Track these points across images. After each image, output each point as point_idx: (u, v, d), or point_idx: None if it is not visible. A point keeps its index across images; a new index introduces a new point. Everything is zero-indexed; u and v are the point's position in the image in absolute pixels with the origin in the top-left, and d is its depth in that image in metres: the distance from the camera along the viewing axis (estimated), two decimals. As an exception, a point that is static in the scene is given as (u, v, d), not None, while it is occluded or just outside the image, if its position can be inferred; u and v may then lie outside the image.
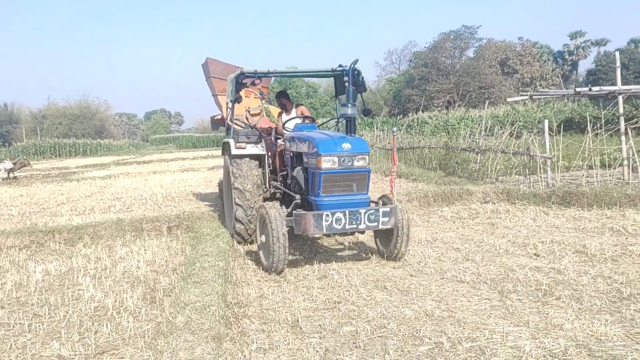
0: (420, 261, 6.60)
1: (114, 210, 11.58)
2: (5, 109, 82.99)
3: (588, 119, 11.27)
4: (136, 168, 25.61)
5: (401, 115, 44.97)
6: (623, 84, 11.56)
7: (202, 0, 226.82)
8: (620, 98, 11.15)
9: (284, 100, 8.53)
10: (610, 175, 11.13)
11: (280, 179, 7.79)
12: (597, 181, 10.62)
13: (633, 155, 10.19)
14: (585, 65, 73.35)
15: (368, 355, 4.07)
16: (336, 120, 8.56)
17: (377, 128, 21.73)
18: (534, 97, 11.25)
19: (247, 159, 7.67)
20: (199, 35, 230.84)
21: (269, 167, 7.95)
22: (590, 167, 11.18)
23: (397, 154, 17.59)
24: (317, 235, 7.85)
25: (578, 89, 10.61)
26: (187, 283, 5.53)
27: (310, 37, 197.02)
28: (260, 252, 6.53)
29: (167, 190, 14.63)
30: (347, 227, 6.01)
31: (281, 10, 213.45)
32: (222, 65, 10.62)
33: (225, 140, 8.34)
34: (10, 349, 4.43)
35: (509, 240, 7.36)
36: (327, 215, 5.93)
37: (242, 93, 8.31)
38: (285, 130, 8.04)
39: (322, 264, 6.68)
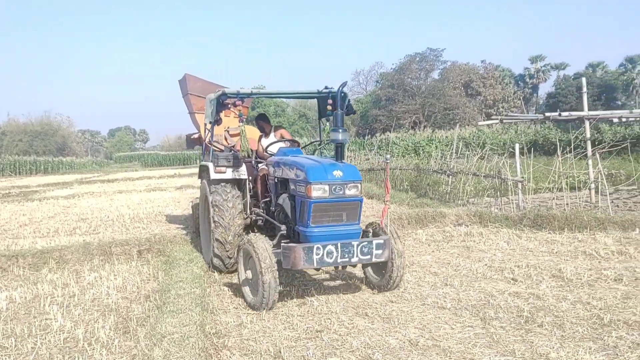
0: (399, 286, 6.53)
1: (80, 232, 11.22)
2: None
3: (558, 144, 11.51)
4: (100, 187, 25.00)
5: (369, 136, 45.30)
6: (581, 107, 11.86)
7: (168, 17, 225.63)
8: (587, 123, 11.43)
9: (263, 123, 8.32)
10: (577, 198, 11.35)
11: (263, 205, 7.46)
12: (567, 204, 10.80)
13: (602, 179, 10.42)
14: (545, 88, 75.68)
15: (355, 388, 3.96)
16: (318, 142, 8.46)
17: (347, 148, 21.81)
18: (504, 120, 11.47)
19: (228, 185, 7.33)
20: (166, 51, 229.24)
21: (250, 192, 7.66)
22: (559, 190, 11.38)
23: (368, 174, 17.72)
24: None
25: (548, 114, 10.84)
26: (162, 312, 5.33)
27: (277, 56, 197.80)
28: (245, 289, 6.08)
29: (135, 211, 14.29)
30: (339, 260, 5.69)
31: (246, 29, 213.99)
32: (201, 82, 10.28)
33: (204, 163, 8.01)
34: (-26, 386, 4.16)
35: (486, 265, 7.37)
36: (318, 248, 5.59)
37: (222, 113, 8.00)
38: (268, 153, 7.80)
39: (299, 289, 6.56)
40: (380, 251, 5.86)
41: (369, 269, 6.59)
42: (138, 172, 40.67)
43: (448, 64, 60.01)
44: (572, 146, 10.94)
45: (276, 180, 6.89)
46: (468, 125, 49.72)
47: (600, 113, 11.61)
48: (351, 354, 4.56)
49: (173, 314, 5.19)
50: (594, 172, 11.26)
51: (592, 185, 11.22)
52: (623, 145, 11.81)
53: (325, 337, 4.95)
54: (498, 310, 5.50)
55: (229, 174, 7.44)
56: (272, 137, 8.26)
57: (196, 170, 38.13)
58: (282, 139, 8.18)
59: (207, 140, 8.14)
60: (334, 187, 5.83)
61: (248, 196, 7.55)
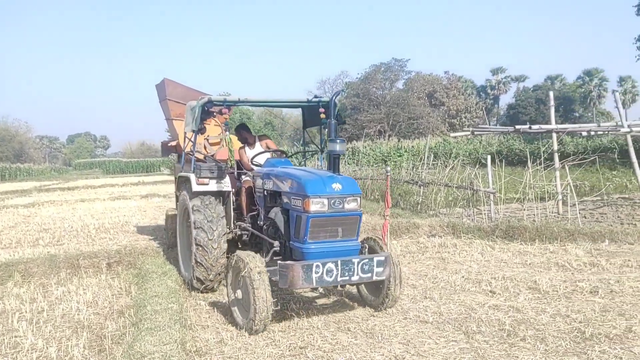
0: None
1: (43, 243, 10.83)
2: None
3: (528, 156, 11.72)
4: (61, 195, 24.28)
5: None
6: (540, 118, 12.17)
7: (131, 19, 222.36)
8: (554, 136, 11.67)
9: (245, 133, 8.04)
10: (545, 209, 11.55)
11: (249, 220, 7.13)
12: (535, 214, 10.97)
13: (571, 191, 10.64)
14: (506, 99, 77.47)
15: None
16: (303, 152, 8.25)
17: (317, 158, 21.69)
18: (475, 132, 11.65)
19: (212, 201, 6.89)
20: (128, 55, 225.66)
21: (233, 205, 7.29)
22: (528, 201, 11.57)
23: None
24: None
25: (518, 127, 11.03)
26: (139, 329, 5.13)
27: (241, 64, 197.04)
28: (234, 309, 5.71)
29: (100, 221, 13.89)
30: (339, 279, 5.37)
31: (212, 36, 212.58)
32: (181, 88, 9.85)
33: (183, 174, 7.53)
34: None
35: (463, 277, 7.39)
36: (317, 265, 5.26)
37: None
38: (254, 164, 7.48)
39: (279, 303, 6.43)
40: (381, 269, 5.58)
41: (364, 286, 6.31)
42: (100, 180, 39.72)
43: (412, 74, 60.89)
44: (542, 158, 11.16)
45: (265, 193, 6.59)
46: (432, 134, 50.41)
47: (569, 126, 11.90)
48: (338, 371, 4.48)
49: (151, 331, 5.00)
50: (561, 183, 11.49)
51: (560, 197, 11.44)
52: (591, 159, 12.10)
53: (310, 354, 4.85)
54: (480, 324, 5.50)
55: (212, 185, 7.00)
56: (258, 147, 7.96)
57: (160, 177, 37.51)
58: (268, 149, 7.92)
59: (188, 149, 7.79)
60: (332, 200, 5.52)
61: (232, 209, 7.21)
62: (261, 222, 6.72)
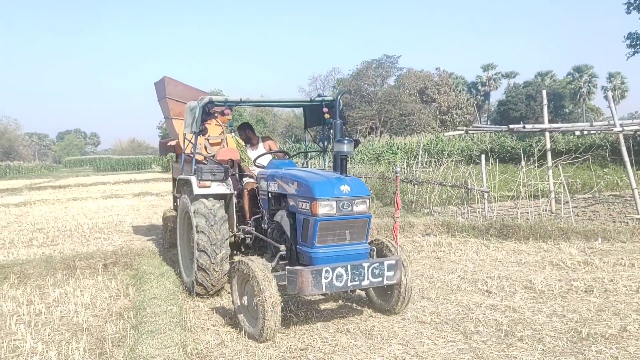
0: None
1: (37, 243, 10.81)
2: None
3: (522, 154, 11.83)
4: (53, 193, 24.19)
5: (327, 142, 45.35)
6: (530, 114, 12.29)
7: (120, 15, 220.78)
8: (547, 135, 11.77)
9: (249, 132, 7.87)
10: (539, 207, 11.65)
11: (252, 223, 6.92)
12: (528, 212, 11.07)
13: (564, 189, 10.74)
14: (496, 95, 77.84)
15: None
16: (305, 153, 8.14)
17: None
18: (469, 131, 11.72)
19: (215, 204, 6.65)
20: (119, 50, 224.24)
21: (235, 207, 7.06)
22: (520, 198, 11.67)
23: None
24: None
25: (512, 126, 11.11)
26: (139, 332, 5.15)
27: (231, 61, 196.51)
28: (241, 317, 5.54)
29: (93, 221, 13.86)
30: (349, 284, 5.20)
31: (203, 33, 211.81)
32: (182, 87, 9.69)
33: (183, 176, 7.29)
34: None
35: (459, 276, 7.45)
36: (327, 270, 5.07)
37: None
38: (256, 166, 7.28)
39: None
40: (392, 273, 5.40)
41: (372, 290, 6.16)
42: (91, 178, 39.54)
43: (404, 71, 61.05)
44: (536, 157, 11.25)
45: (270, 196, 6.44)
46: (424, 131, 50.58)
47: (562, 126, 12.00)
48: (339, 373, 4.52)
49: (152, 334, 5.02)
50: (554, 182, 11.60)
51: (553, 195, 11.54)
52: (584, 157, 12.22)
53: (311, 356, 4.89)
54: (477, 324, 5.55)
55: (213, 188, 6.74)
56: (260, 149, 7.77)
57: (152, 175, 37.37)
58: (271, 150, 7.78)
59: (187, 150, 7.60)
60: (341, 203, 5.35)
61: (234, 212, 7.01)
62: (265, 226, 6.58)
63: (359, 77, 58.41)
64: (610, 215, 11.55)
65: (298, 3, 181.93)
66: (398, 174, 6.46)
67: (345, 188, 5.40)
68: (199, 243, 6.37)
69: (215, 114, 7.07)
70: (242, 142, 7.91)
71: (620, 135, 10.78)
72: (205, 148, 8.16)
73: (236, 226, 6.99)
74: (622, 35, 39.61)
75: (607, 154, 19.18)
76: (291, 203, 5.83)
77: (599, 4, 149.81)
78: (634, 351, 4.76)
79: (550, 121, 12.28)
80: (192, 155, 7.23)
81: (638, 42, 38.03)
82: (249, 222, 6.98)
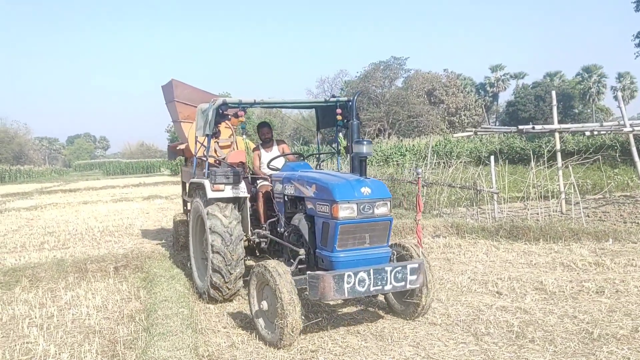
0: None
1: (49, 247, 10.90)
2: None
3: (531, 155, 11.80)
4: (63, 197, 24.39)
5: (336, 144, 45.36)
6: (539, 115, 12.25)
7: (129, 19, 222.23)
8: (557, 135, 11.72)
9: (267, 132, 7.66)
10: (549, 208, 11.60)
11: (267, 226, 6.82)
12: (538, 213, 11.03)
13: (575, 190, 10.69)
14: (505, 96, 77.50)
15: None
16: (317, 155, 8.11)
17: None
18: (478, 132, 11.71)
19: (228, 205, 6.56)
20: (127, 55, 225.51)
21: (249, 211, 6.92)
22: (532, 200, 11.63)
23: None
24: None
25: (521, 127, 11.08)
26: (151, 335, 5.17)
27: (239, 64, 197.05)
28: (259, 321, 5.42)
29: (104, 224, 13.97)
30: (372, 288, 5.06)
31: (211, 36, 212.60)
32: (190, 89, 9.61)
33: (196, 180, 7.13)
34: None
35: (469, 277, 7.44)
36: (349, 275, 4.96)
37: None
38: (271, 168, 7.13)
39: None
40: (414, 277, 5.27)
41: (392, 294, 6.00)
42: (101, 181, 39.83)
43: (411, 72, 60.97)
44: (545, 158, 11.22)
45: (286, 199, 6.32)
46: (432, 132, 50.47)
47: (572, 126, 11.96)
48: (350, 375, 4.52)
49: (164, 336, 5.04)
50: (564, 183, 11.55)
51: (563, 196, 11.49)
52: (595, 158, 12.16)
53: (321, 358, 4.90)
54: (488, 325, 5.54)
55: (227, 191, 6.61)
56: (275, 151, 7.63)
57: (161, 179, 37.49)
58: (284, 153, 7.66)
59: (200, 154, 7.47)
60: (362, 205, 5.22)
61: (248, 216, 6.88)
62: (282, 229, 6.46)
63: (367, 79, 58.40)
64: (621, 215, 11.49)
65: (306, 6, 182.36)
66: (420, 175, 6.33)
67: (365, 190, 5.27)
68: (213, 245, 6.29)
69: (229, 116, 6.96)
70: (251, 145, 7.89)
71: (631, 136, 10.72)
72: (215, 151, 8.08)
73: (250, 230, 6.89)
74: (631, 34, 39.23)
75: (617, 155, 19.06)
76: (309, 206, 5.72)
77: (607, 3, 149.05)
78: (646, 352, 4.73)
79: (559, 122, 12.22)
80: (204, 159, 7.13)
81: (647, 41, 37.77)
82: (264, 225, 6.86)
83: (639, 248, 8.69)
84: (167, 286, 6.98)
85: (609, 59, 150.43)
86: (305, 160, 7.45)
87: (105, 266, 8.49)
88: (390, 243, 5.72)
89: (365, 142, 5.42)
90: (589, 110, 68.61)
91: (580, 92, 68.37)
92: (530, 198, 11.78)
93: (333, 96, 7.16)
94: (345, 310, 6.32)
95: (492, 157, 11.17)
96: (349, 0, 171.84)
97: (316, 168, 7.64)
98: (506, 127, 13.95)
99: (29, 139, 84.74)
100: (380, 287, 5.13)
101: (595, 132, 11.60)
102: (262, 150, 7.63)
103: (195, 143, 7.57)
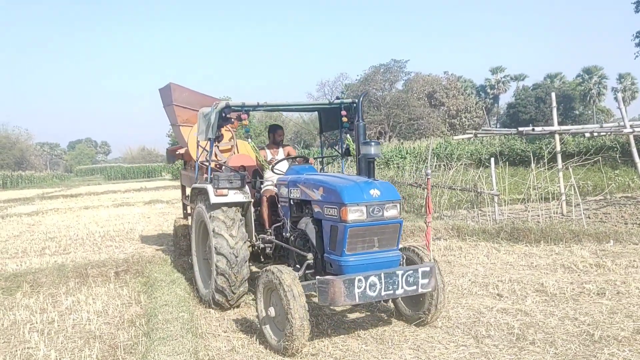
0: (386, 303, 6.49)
1: (49, 252, 10.91)
2: None
3: (532, 157, 11.80)
4: (64, 202, 24.41)
5: (337, 146, 45.39)
6: (540, 117, 12.26)
7: (129, 24, 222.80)
8: (557, 137, 11.72)
9: (280, 136, 7.56)
10: (550, 209, 11.59)
11: (272, 231, 6.68)
12: (539, 215, 11.02)
13: (575, 191, 10.69)
14: (505, 98, 77.49)
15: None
16: (321, 158, 8.03)
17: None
18: (478, 135, 11.70)
19: (232, 209, 6.46)
20: (128, 60, 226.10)
21: (253, 216, 6.79)
22: (532, 201, 11.63)
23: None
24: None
25: (521, 129, 11.09)
26: (151, 339, 5.18)
27: (238, 68, 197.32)
28: (266, 328, 5.31)
29: (105, 229, 13.97)
30: (383, 293, 4.95)
31: (212, 40, 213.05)
32: (188, 93, 9.50)
33: (198, 185, 7.04)
34: None
35: (470, 280, 7.43)
36: (359, 280, 4.83)
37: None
38: (276, 172, 6.97)
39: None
40: (426, 281, 5.15)
41: (401, 299, 5.87)
42: (102, 186, 39.88)
43: (412, 75, 60.99)
44: (546, 159, 11.22)
45: (291, 202, 6.20)
46: (433, 135, 50.47)
47: (572, 128, 11.96)
48: (350, 378, 4.51)
49: (164, 341, 5.05)
50: (564, 184, 11.54)
51: (564, 197, 11.49)
52: (595, 159, 12.16)
53: (322, 362, 4.90)
54: (489, 328, 5.53)
55: (231, 196, 6.49)
56: (281, 154, 7.52)
57: (162, 183, 37.52)
58: (289, 156, 7.52)
59: (202, 158, 7.42)
60: (371, 208, 5.09)
61: (252, 221, 6.74)
62: (287, 234, 6.32)
63: (367, 82, 58.45)
64: (622, 217, 11.47)
65: (305, 9, 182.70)
66: (429, 177, 6.17)
67: (375, 192, 5.15)
68: (216, 247, 6.21)
69: (232, 119, 6.87)
70: (241, 148, 7.80)
71: (631, 137, 10.72)
72: (216, 155, 7.97)
73: (255, 235, 6.76)
74: (631, 34, 39.22)
75: (617, 156, 19.05)
76: (316, 209, 5.60)
77: (607, 4, 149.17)
78: (647, 354, 4.72)
79: (560, 123, 12.24)
80: (206, 164, 7.03)
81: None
82: (269, 230, 6.74)
83: (640, 249, 8.68)
84: (168, 290, 6.99)
85: (610, 60, 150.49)
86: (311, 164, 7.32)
87: (106, 271, 8.50)
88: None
89: (373, 143, 5.32)
90: (589, 112, 68.59)
91: (580, 93, 68.33)
92: (531, 200, 11.77)
93: (337, 98, 7.09)
94: (345, 313, 6.32)
95: (492, 159, 11.18)
96: (349, 3, 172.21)
97: (320, 171, 7.52)
98: (506, 129, 13.97)
99: (30, 144, 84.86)
100: (391, 292, 5.01)
101: (596, 134, 11.60)
102: (268, 151, 7.50)
103: (197, 147, 7.48)
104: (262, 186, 7.16)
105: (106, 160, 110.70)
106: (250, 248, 6.68)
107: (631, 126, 10.52)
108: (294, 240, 6.13)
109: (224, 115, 6.55)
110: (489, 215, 11.26)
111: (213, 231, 6.28)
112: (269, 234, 6.74)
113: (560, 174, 11.63)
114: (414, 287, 5.10)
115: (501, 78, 75.46)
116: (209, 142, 6.94)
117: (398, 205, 5.31)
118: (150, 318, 5.90)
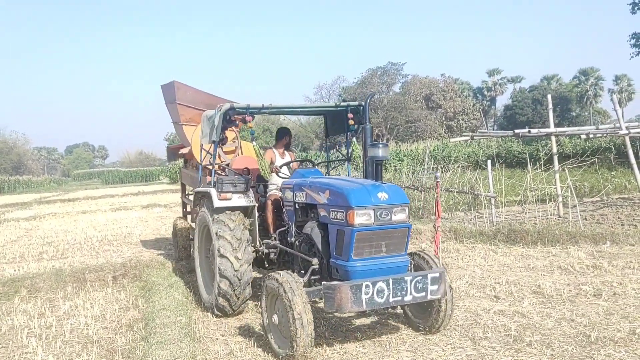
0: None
1: (47, 257, 10.89)
2: None
3: (528, 159, 11.84)
4: (62, 207, 24.37)
5: (335, 149, 45.44)
6: (537, 119, 12.31)
7: (127, 25, 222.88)
8: (553, 139, 11.76)
9: (288, 139, 7.39)
10: (546, 211, 11.63)
11: (277, 236, 6.56)
12: (535, 217, 11.05)
13: (572, 193, 10.73)
14: (502, 100, 77.56)
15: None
16: (327, 162, 7.99)
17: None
18: (474, 137, 11.73)
19: (236, 213, 6.35)
20: (124, 65, 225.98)
21: (258, 220, 6.67)
22: (529, 203, 11.66)
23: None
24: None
25: (517, 131, 11.14)
26: (149, 343, 5.19)
27: (236, 71, 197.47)
28: (271, 336, 5.18)
29: (102, 233, 13.96)
30: (391, 299, 4.81)
31: (209, 43, 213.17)
32: (192, 91, 9.33)
33: (202, 189, 6.94)
34: None
35: (467, 282, 7.45)
36: (367, 285, 4.69)
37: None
38: (281, 176, 6.81)
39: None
40: (435, 287, 5.00)
41: (409, 306, 5.69)
42: (99, 191, 39.80)
43: (409, 78, 61.06)
44: (542, 161, 11.27)
45: (297, 207, 6.09)
46: (430, 137, 50.51)
47: (568, 129, 12.00)
48: (348, 381, 4.52)
49: (162, 345, 5.06)
50: (561, 186, 11.58)
51: (561, 199, 11.52)
52: (591, 161, 12.20)
53: (319, 365, 4.91)
54: (486, 329, 5.55)
55: (235, 200, 6.36)
56: (287, 157, 7.35)
57: (160, 187, 37.36)
58: (295, 160, 7.46)
59: (205, 161, 7.33)
60: (379, 212, 4.95)
61: (257, 226, 6.61)
62: (292, 239, 6.20)
63: (364, 84, 58.46)
64: (618, 218, 11.50)
65: (302, 12, 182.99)
66: (438, 179, 6.10)
67: (382, 195, 5.02)
68: (219, 250, 6.11)
69: (236, 122, 6.74)
70: (245, 151, 7.73)
71: (627, 138, 10.76)
72: (219, 156, 7.80)
73: (259, 240, 6.66)
74: (627, 35, 39.35)
75: (613, 157, 19.11)
76: (322, 213, 5.48)
77: (603, 6, 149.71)
78: (643, 354, 4.74)
79: (557, 125, 12.30)
80: (210, 167, 6.91)
81: (643, 43, 37.87)
82: (274, 235, 6.62)
83: (637, 250, 8.70)
84: (166, 295, 7.00)
85: (606, 61, 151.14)
86: (316, 167, 7.23)
87: (103, 275, 8.50)
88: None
89: (380, 145, 5.24)
90: (586, 113, 68.70)
91: (577, 95, 68.45)
92: (528, 202, 11.81)
93: (344, 100, 7.04)
94: (343, 316, 6.32)
95: (489, 161, 11.21)
96: (346, 6, 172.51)
97: (331, 173, 7.43)
98: (503, 131, 14.02)
99: (27, 149, 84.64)
100: (399, 298, 4.88)
101: (592, 135, 11.64)
102: (276, 152, 7.31)
103: (201, 150, 7.38)
104: (267, 190, 7.01)
105: (104, 165, 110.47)
106: (255, 253, 6.56)
107: (627, 127, 10.57)
108: (299, 245, 6.03)
109: (228, 117, 6.48)
110: (486, 217, 11.29)
111: (218, 251, 6.15)
112: (273, 238, 6.63)
113: (557, 175, 11.67)
114: (423, 294, 4.97)
115: (498, 80, 75.55)
116: (213, 145, 6.82)
117: (407, 209, 5.18)
118: (148, 322, 5.91)
